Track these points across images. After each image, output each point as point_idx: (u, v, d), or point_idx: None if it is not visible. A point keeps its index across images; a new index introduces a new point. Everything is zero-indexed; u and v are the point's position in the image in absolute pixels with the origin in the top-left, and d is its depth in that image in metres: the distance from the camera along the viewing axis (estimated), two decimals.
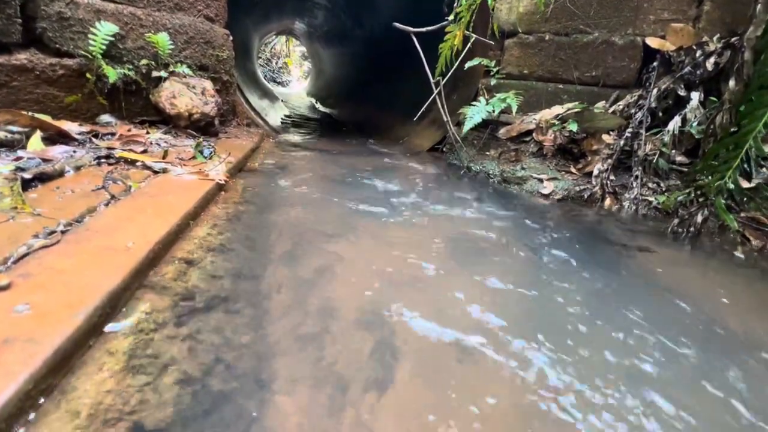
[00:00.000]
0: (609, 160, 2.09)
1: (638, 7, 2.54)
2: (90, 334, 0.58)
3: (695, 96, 2.14)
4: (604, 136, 2.30)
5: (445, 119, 2.49)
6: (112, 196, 1.03)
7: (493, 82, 2.76)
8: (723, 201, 1.46)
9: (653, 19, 2.52)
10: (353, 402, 0.59)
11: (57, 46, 1.51)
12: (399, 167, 2.42)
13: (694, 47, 2.26)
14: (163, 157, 1.43)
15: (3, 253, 0.68)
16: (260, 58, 12.67)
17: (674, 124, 2.08)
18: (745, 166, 1.44)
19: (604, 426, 0.60)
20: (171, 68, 1.91)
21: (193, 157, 1.56)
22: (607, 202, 1.91)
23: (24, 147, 1.22)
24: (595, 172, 2.04)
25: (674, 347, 0.83)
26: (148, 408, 0.51)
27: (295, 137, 3.38)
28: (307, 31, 8.69)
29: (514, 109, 2.41)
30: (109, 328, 0.62)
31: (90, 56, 1.58)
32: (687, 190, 1.68)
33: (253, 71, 6.99)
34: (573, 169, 2.22)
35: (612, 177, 2.05)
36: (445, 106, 2.49)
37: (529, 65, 2.82)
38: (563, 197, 1.93)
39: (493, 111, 2.44)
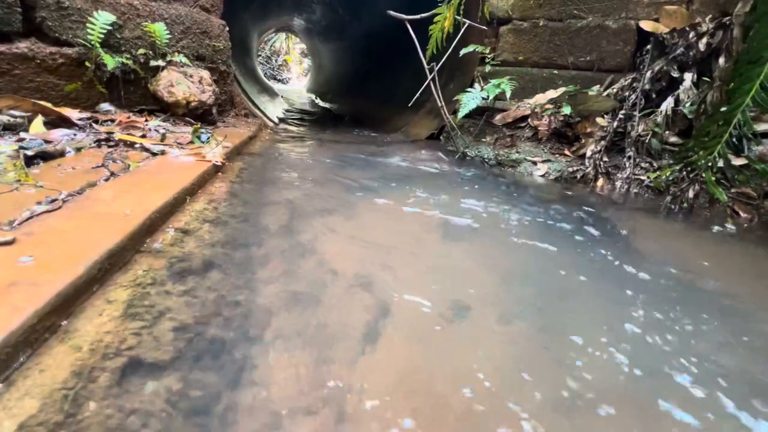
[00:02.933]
0: (602, 142, 2.11)
1: None
2: (90, 284, 0.61)
3: (688, 77, 2.15)
4: (598, 119, 2.31)
5: (439, 104, 2.51)
6: (112, 173, 1.07)
7: (488, 69, 2.78)
8: (712, 176, 1.48)
9: (646, 2, 2.53)
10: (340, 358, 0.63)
11: (56, 35, 1.55)
12: (394, 152, 2.45)
13: (687, 29, 2.26)
14: (162, 141, 1.47)
15: (8, 217, 0.72)
16: (260, 55, 12.68)
17: (667, 104, 2.10)
18: (734, 140, 1.46)
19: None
20: (168, 57, 1.94)
21: (191, 142, 1.60)
22: (600, 182, 1.93)
23: (26, 130, 1.26)
24: (588, 153, 2.06)
25: (659, 313, 0.86)
26: (145, 347, 0.55)
27: (293, 128, 3.41)
28: (305, 27, 8.69)
29: (508, 94, 2.43)
30: (107, 281, 0.66)
31: (89, 45, 1.62)
32: (678, 167, 1.70)
33: (253, 68, 7.02)
34: (567, 152, 2.24)
35: (605, 158, 2.07)
36: (439, 91, 2.51)
37: (524, 51, 2.84)
38: (557, 178, 1.95)
39: (488, 97, 2.46)
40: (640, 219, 1.46)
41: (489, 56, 2.75)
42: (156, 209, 0.89)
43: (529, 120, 2.58)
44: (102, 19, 1.63)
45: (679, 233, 1.36)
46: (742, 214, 1.56)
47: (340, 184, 1.63)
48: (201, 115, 1.99)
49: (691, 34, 2.24)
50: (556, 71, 2.77)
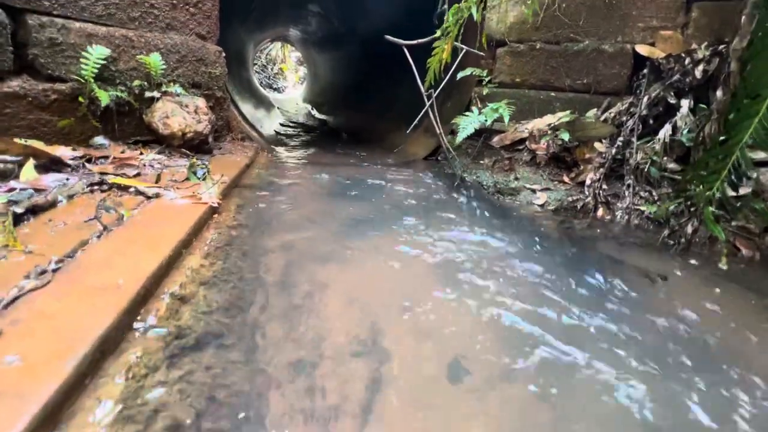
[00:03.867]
0: (601, 169, 2.10)
1: (627, 15, 2.56)
2: (80, 380, 0.59)
3: (685, 103, 2.16)
4: (596, 144, 2.31)
5: (438, 131, 2.50)
6: (105, 227, 1.04)
7: (485, 91, 2.78)
8: (711, 212, 1.48)
9: (642, 27, 2.54)
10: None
11: (49, 71, 1.52)
12: (391, 178, 2.43)
13: (683, 55, 2.28)
14: (156, 181, 1.44)
15: None
16: (256, 64, 12.67)
17: (665, 132, 2.10)
18: (733, 177, 1.45)
19: None
20: (164, 88, 1.92)
21: (187, 179, 1.57)
22: (600, 212, 1.92)
23: (17, 176, 1.23)
24: (588, 182, 2.05)
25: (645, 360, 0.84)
26: None
27: (290, 150, 3.39)
28: (301, 37, 8.71)
29: (506, 119, 2.43)
30: (99, 372, 0.63)
31: (82, 80, 1.59)
32: (677, 200, 1.70)
33: (248, 79, 7.01)
34: (566, 179, 2.23)
35: (604, 186, 2.07)
36: (438, 118, 2.50)
37: (521, 74, 2.84)
38: (557, 208, 1.94)
39: (486, 121, 2.46)
40: (640, 258, 1.45)
41: (486, 78, 2.75)
42: (151, 274, 0.86)
43: (527, 143, 2.58)
44: (96, 54, 1.61)
45: (678, 275, 1.35)
46: (743, 249, 1.55)
47: (336, 221, 1.61)
48: (197, 145, 1.96)
49: (687, 60, 2.25)
50: (553, 93, 2.77)
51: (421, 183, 2.35)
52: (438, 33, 2.09)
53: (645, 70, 2.45)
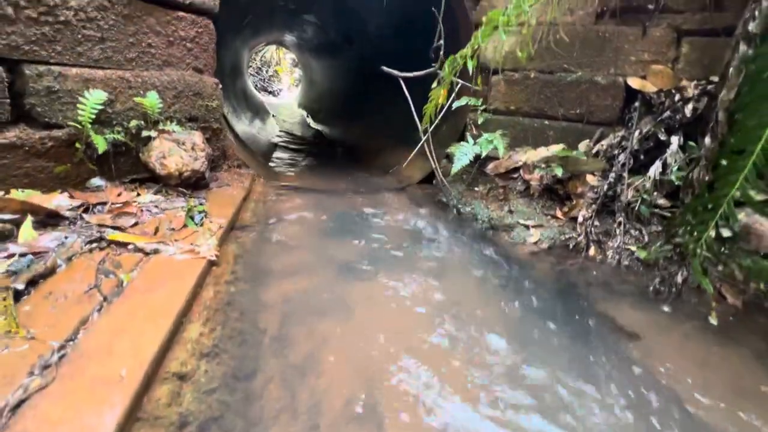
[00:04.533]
0: (593, 206, 2.15)
1: (619, 48, 2.60)
2: None
3: (675, 140, 2.21)
4: (589, 178, 2.36)
5: (434, 166, 2.53)
6: (105, 298, 1.05)
7: (480, 120, 2.81)
8: (702, 254, 1.52)
9: (634, 60, 2.59)
10: None
11: (46, 119, 1.52)
12: (388, 208, 2.45)
13: (673, 91, 2.33)
14: (155, 233, 1.45)
15: None
16: (250, 67, 12.59)
17: (655, 169, 2.14)
18: (720, 230, 1.50)
19: None
20: (160, 126, 1.92)
21: (185, 225, 1.58)
22: (592, 251, 1.96)
23: (15, 236, 1.24)
24: (580, 219, 2.09)
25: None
26: None
27: (285, 170, 3.40)
28: (297, 42, 8.68)
29: (501, 151, 2.46)
30: None
31: (79, 126, 1.59)
32: (667, 247, 1.74)
33: (244, 89, 6.98)
34: (559, 213, 2.27)
35: (596, 222, 2.11)
36: (434, 154, 2.53)
37: (515, 101, 2.88)
38: (550, 246, 1.98)
39: (481, 153, 2.49)
40: (628, 310, 1.49)
41: (481, 108, 2.78)
42: (152, 358, 0.87)
43: (522, 172, 2.62)
44: (94, 99, 1.61)
45: (664, 329, 1.39)
46: (728, 297, 1.60)
47: (331, 266, 1.63)
48: (194, 183, 1.97)
49: (677, 97, 2.31)
50: (546, 122, 2.81)
51: (416, 215, 2.38)
52: (434, 82, 2.11)
53: (636, 103, 2.51)
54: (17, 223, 1.28)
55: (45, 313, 0.96)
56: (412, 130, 2.91)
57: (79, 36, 1.58)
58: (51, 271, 1.12)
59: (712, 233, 1.49)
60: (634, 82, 2.57)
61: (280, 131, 6.33)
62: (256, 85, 12.78)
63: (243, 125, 4.81)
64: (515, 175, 2.70)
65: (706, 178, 1.74)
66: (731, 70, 1.68)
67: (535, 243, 2.00)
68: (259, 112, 7.22)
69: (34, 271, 1.07)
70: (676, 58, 2.53)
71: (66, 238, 1.28)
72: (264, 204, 2.31)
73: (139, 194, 1.78)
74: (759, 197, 1.56)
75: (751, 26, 1.58)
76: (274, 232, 1.93)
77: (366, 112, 5.68)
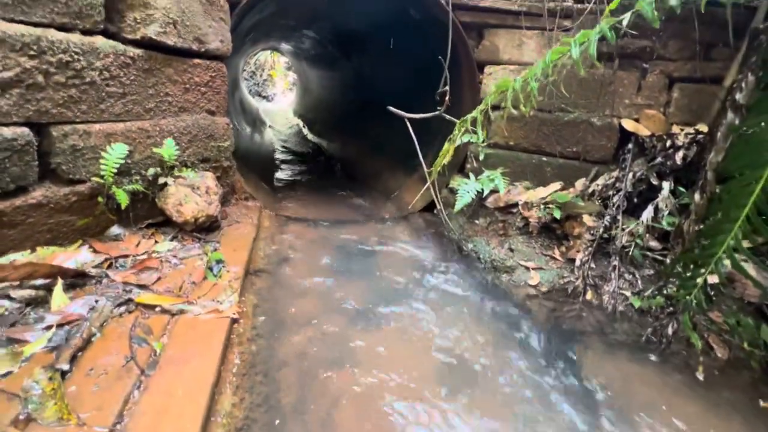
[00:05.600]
0: (590, 248, 2.26)
1: (615, 91, 2.73)
2: None
3: (666, 186, 2.33)
4: (585, 218, 2.47)
5: (438, 207, 2.62)
6: (142, 371, 1.11)
7: (481, 156, 2.91)
8: (689, 318, 1.64)
9: (628, 103, 2.72)
10: None
11: (70, 176, 1.57)
12: (392, 244, 2.54)
13: (665, 137, 2.46)
14: (179, 289, 1.51)
15: None
16: (245, 70, 12.53)
17: (647, 214, 2.27)
18: (708, 289, 1.62)
19: None
20: (176, 172, 1.98)
21: (205, 278, 1.64)
22: (589, 295, 2.07)
23: (47, 303, 1.29)
24: (577, 262, 2.21)
25: None
26: None
27: (288, 198, 3.46)
28: (293, 51, 8.69)
29: (502, 189, 2.57)
30: None
31: (102, 180, 1.64)
32: (659, 298, 1.86)
33: (241, 99, 7.00)
34: (557, 253, 2.38)
35: (593, 265, 2.22)
36: (439, 196, 2.62)
37: (514, 137, 2.98)
38: (549, 290, 2.08)
39: (482, 190, 2.59)
40: (619, 361, 1.60)
41: (482, 144, 2.88)
42: None
43: (520, 208, 2.72)
44: (116, 153, 1.66)
45: (654, 383, 1.51)
46: (716, 348, 1.72)
47: (342, 315, 1.72)
48: (208, 227, 2.02)
49: (668, 143, 2.44)
50: (545, 158, 2.93)
51: (420, 252, 2.47)
52: (446, 124, 2.20)
53: (630, 144, 2.64)
54: (48, 288, 1.33)
55: (89, 393, 1.02)
56: (411, 153, 2.99)
57: (103, 94, 1.63)
58: (87, 342, 1.17)
59: (702, 293, 1.60)
60: (628, 125, 2.70)
61: (280, 146, 6.36)
62: (250, 90, 12.72)
63: (244, 141, 4.84)
64: (514, 210, 2.80)
65: (696, 233, 1.87)
66: (719, 134, 1.81)
67: (535, 286, 2.11)
68: (255, 124, 7.23)
69: (74, 346, 1.12)
70: (668, 103, 2.66)
71: (96, 301, 1.33)
72: (272, 241, 2.37)
73: (156, 241, 1.83)
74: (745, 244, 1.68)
75: (739, 96, 1.71)
76: (285, 275, 2.00)
77: (364, 130, 5.74)
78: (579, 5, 2.67)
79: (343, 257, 2.31)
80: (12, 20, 1.33)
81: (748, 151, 1.61)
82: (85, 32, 1.56)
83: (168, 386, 1.08)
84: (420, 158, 2.56)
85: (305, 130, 7.88)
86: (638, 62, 2.69)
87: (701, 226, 1.87)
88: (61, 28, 1.47)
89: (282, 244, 2.37)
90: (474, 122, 2.05)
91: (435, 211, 3.24)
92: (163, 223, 1.98)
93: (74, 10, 1.49)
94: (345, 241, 2.54)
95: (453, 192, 2.94)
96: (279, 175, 4.48)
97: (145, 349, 1.20)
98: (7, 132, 1.35)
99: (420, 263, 2.31)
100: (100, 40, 1.59)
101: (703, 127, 2.47)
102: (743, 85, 1.70)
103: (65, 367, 1.05)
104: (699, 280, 1.65)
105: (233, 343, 1.39)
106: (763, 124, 1.56)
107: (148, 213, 1.94)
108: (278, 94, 14.35)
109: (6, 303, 1.24)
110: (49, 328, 1.18)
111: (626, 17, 1.50)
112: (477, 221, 2.89)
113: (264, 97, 13.58)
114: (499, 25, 2.85)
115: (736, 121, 1.71)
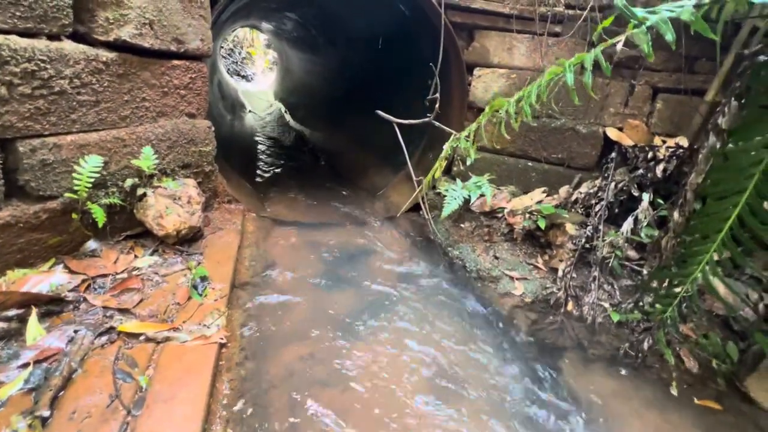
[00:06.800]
0: (572, 259, 2.32)
1: (603, 100, 2.75)
2: None
3: (646, 197, 2.40)
4: (568, 227, 2.52)
5: (426, 218, 2.62)
6: (128, 412, 1.08)
7: (468, 161, 2.90)
8: (663, 335, 1.72)
9: (613, 112, 2.76)
10: None
11: (40, 192, 1.47)
12: (377, 248, 2.53)
13: (647, 149, 2.51)
14: (164, 312, 1.46)
15: None
16: (222, 48, 11.98)
17: (627, 225, 2.33)
18: (683, 307, 1.69)
19: None
20: (155, 181, 1.89)
21: (189, 297, 1.60)
22: (570, 305, 2.14)
23: (21, 334, 1.22)
24: (560, 273, 2.27)
25: None
26: None
27: (272, 195, 3.38)
28: (274, 31, 8.34)
29: (489, 196, 2.58)
30: None
31: (75, 195, 1.55)
32: (636, 313, 1.94)
33: (220, 82, 6.70)
34: (540, 262, 2.44)
35: (574, 274, 2.29)
36: (428, 207, 2.61)
37: (501, 142, 2.98)
38: (533, 300, 2.14)
39: (470, 197, 2.60)
40: (595, 377, 1.68)
41: (472, 149, 2.87)
42: None
43: (505, 214, 2.76)
44: (90, 166, 1.56)
45: (626, 397, 1.59)
46: (685, 360, 1.82)
47: (330, 328, 1.73)
48: (191, 239, 1.96)
49: (650, 155, 2.49)
50: (530, 163, 2.96)
51: (407, 258, 2.47)
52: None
53: (613, 153, 2.69)
54: (22, 318, 1.26)
55: None
56: (398, 149, 2.95)
57: (74, 103, 1.52)
58: (68, 379, 1.13)
59: (676, 312, 1.68)
60: (612, 133, 2.75)
61: (262, 134, 6.17)
62: (228, 69, 12.19)
63: (224, 129, 4.66)
64: (500, 215, 2.84)
65: (674, 249, 1.94)
66: (701, 156, 1.86)
67: (520, 296, 2.16)
68: (235, 109, 6.98)
69: (54, 387, 1.08)
70: (651, 113, 2.72)
71: (75, 332, 1.28)
72: (257, 248, 2.32)
73: (136, 256, 1.76)
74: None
75: (721, 121, 1.75)
76: (272, 287, 1.97)
77: (349, 120, 5.63)
78: (570, 11, 2.64)
79: (330, 265, 2.29)
80: None
81: (727, 177, 1.66)
82: (52, 37, 1.43)
83: (156, 428, 1.06)
84: (409, 166, 2.53)
85: (287, 116, 7.65)
86: (625, 72, 2.71)
87: (678, 243, 1.95)
88: (25, 33, 1.34)
89: (267, 252, 2.32)
90: (468, 135, 2.03)
91: (420, 213, 3.25)
92: (142, 234, 1.90)
93: (39, 14, 1.36)
94: (332, 246, 2.51)
95: (439, 195, 2.95)
96: (261, 166, 4.36)
97: (131, 384, 1.17)
98: None
99: (407, 272, 2.32)
100: (68, 45, 1.47)
101: (684, 140, 2.54)
102: (726, 109, 1.74)
103: (45, 413, 1.00)
104: (674, 301, 1.73)
105: (222, 370, 1.37)
106: (742, 151, 1.61)
107: (125, 225, 1.86)
108: (258, 73, 13.82)
109: None
110: (25, 366, 1.13)
111: (620, 41, 1.50)
112: (462, 225, 2.91)
113: (243, 77, 13.06)
114: (490, 27, 2.80)
115: (718, 145, 1.76)
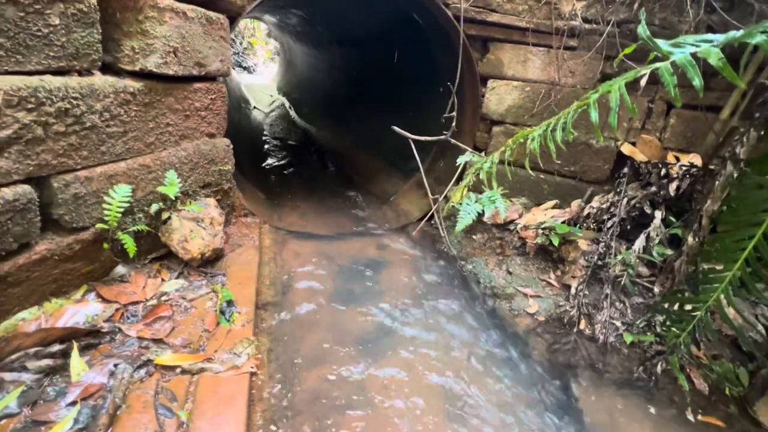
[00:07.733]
0: (585, 276, 2.37)
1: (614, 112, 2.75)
2: None
3: (658, 215, 2.43)
4: (580, 243, 2.56)
5: (442, 234, 2.65)
6: None
7: (482, 175, 2.92)
8: (677, 360, 1.77)
9: (627, 127, 2.76)
10: None
11: (73, 225, 1.50)
12: (390, 261, 2.58)
13: (660, 165, 2.53)
14: (196, 341, 1.51)
15: None
16: None
17: (639, 243, 2.37)
18: (697, 334, 1.74)
19: None
20: (179, 205, 1.92)
21: (218, 323, 1.64)
22: (582, 324, 2.19)
23: (65, 370, 1.27)
24: (573, 291, 2.31)
25: None
26: None
27: (284, 204, 3.41)
28: (277, 24, 8.23)
29: (503, 212, 2.61)
30: None
31: (106, 225, 1.58)
32: (648, 335, 1.99)
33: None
34: (552, 278, 2.48)
35: (587, 291, 2.34)
36: (442, 221, 2.64)
37: (514, 153, 2.99)
38: (546, 319, 2.19)
39: (483, 212, 2.63)
40: (608, 401, 1.73)
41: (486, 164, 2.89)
42: None
43: (519, 230, 2.79)
44: (120, 195, 1.59)
45: (639, 419, 1.65)
46: (696, 382, 1.88)
47: (350, 348, 1.79)
48: (214, 260, 2.00)
49: (663, 172, 2.52)
50: (543, 176, 2.98)
51: (422, 270, 2.52)
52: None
53: (626, 168, 2.70)
54: (64, 353, 1.31)
55: None
56: (407, 155, 2.97)
57: (104, 135, 1.54)
58: (114, 416, 1.18)
59: (690, 338, 1.73)
60: (626, 149, 2.76)
61: (269, 132, 6.15)
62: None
63: (231, 129, 4.66)
64: (512, 228, 2.87)
65: (687, 272, 1.98)
66: (717, 182, 1.88)
67: (533, 315, 2.21)
68: (240, 106, 6.93)
69: (102, 426, 1.13)
70: (664, 128, 2.73)
71: (115, 365, 1.32)
72: (275, 264, 2.36)
73: (163, 279, 1.80)
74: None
75: (739, 150, 1.77)
76: (292, 305, 2.03)
77: (356, 120, 5.62)
78: (587, 25, 2.63)
79: (345, 281, 2.33)
80: (6, 72, 1.22)
81: (743, 208, 1.69)
82: (83, 72, 1.44)
83: None
84: (423, 177, 2.55)
85: (292, 112, 7.61)
86: (638, 85, 2.70)
87: (691, 265, 1.99)
88: (58, 72, 1.35)
89: (285, 267, 2.37)
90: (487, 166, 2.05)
91: (433, 223, 3.28)
92: (166, 255, 1.94)
93: (71, 52, 1.37)
94: (346, 259, 2.56)
95: (447, 199, 2.98)
96: (270, 169, 4.38)
97: (172, 420, 1.22)
98: (8, 193, 1.27)
99: (423, 286, 2.37)
100: (98, 80, 1.48)
101: (697, 158, 2.56)
102: (744, 139, 1.76)
103: None
104: (689, 326, 1.78)
105: (254, 400, 1.42)
106: (759, 183, 1.64)
107: (150, 247, 1.89)
108: (259, 65, 13.67)
109: (24, 376, 1.21)
110: (73, 404, 1.18)
111: (645, 75, 1.51)
112: (474, 236, 2.94)
113: (245, 68, 12.92)
114: (505, 39, 2.79)
115: (735, 174, 1.78)
